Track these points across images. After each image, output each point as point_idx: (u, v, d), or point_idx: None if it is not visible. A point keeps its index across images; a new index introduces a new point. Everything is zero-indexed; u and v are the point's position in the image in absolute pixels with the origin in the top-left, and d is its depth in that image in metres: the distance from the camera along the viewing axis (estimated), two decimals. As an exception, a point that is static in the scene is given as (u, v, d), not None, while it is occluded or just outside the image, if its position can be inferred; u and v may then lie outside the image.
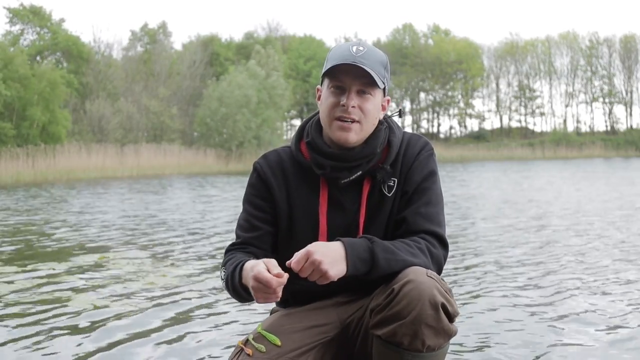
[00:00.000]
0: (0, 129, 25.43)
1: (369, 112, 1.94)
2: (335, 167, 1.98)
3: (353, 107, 1.92)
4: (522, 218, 9.04)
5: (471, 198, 12.78)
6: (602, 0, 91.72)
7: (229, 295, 2.02)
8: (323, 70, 1.97)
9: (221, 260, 2.07)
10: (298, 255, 1.77)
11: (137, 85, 36.92)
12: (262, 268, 1.75)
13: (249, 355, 1.88)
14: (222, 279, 1.99)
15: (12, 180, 21.74)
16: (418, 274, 1.80)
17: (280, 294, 1.75)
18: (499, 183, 18.17)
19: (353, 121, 1.93)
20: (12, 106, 26.57)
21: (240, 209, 2.13)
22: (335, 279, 1.79)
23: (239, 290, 1.89)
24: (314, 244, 1.80)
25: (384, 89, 1.99)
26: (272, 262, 1.78)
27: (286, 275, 1.75)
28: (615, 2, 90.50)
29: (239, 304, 3.97)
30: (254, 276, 1.75)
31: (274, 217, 2.05)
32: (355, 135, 1.95)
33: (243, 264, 1.88)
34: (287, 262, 1.78)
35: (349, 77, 1.91)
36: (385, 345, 1.84)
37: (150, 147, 30.34)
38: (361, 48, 1.93)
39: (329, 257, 1.77)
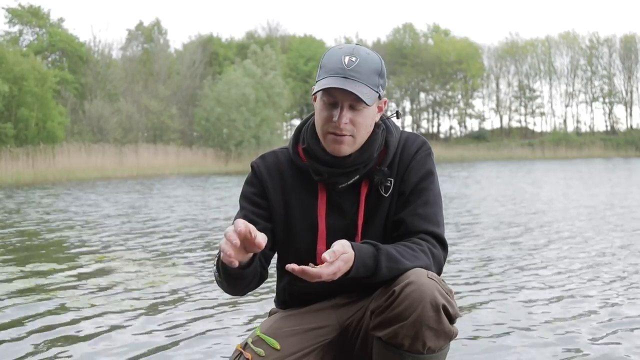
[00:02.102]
0: (1, 128, 25.49)
1: (361, 125, 1.92)
2: (332, 173, 1.97)
3: (346, 123, 1.89)
4: (488, 215, 9.29)
5: (444, 198, 12.84)
6: (602, 0, 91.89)
7: (222, 289, 1.98)
8: (316, 78, 1.94)
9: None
10: (337, 248, 1.73)
11: (136, 85, 36.94)
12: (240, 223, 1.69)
13: (248, 359, 1.87)
14: (214, 266, 1.93)
15: (12, 181, 21.77)
16: (419, 276, 1.79)
17: (239, 258, 1.69)
18: (483, 183, 18.42)
19: (345, 135, 1.91)
20: (11, 106, 26.66)
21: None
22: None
23: (229, 269, 1.81)
24: (343, 242, 1.77)
25: (379, 94, 1.95)
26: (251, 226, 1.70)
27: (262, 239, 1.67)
28: (615, 2, 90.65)
29: (238, 305, 3.96)
30: (231, 229, 1.69)
31: (270, 215, 2.04)
32: (349, 147, 1.93)
33: None
34: (322, 257, 1.71)
35: (340, 92, 1.87)
36: (385, 347, 1.83)
37: (150, 147, 30.39)
38: (353, 59, 1.88)
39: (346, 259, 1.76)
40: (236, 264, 1.69)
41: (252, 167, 2.08)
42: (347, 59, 1.88)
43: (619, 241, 6.58)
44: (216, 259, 1.93)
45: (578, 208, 10.20)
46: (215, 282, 2.01)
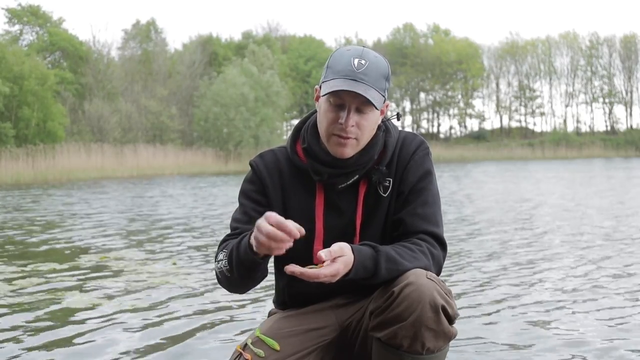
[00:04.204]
0: (1, 128, 25.52)
1: (366, 128, 1.92)
2: (332, 174, 1.97)
3: (352, 125, 1.89)
4: (453, 213, 9.55)
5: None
6: (602, 0, 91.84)
7: (224, 286, 1.97)
8: (323, 78, 1.93)
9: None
10: (334, 249, 1.73)
11: (136, 85, 36.89)
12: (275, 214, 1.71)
13: (247, 360, 1.87)
14: (221, 260, 1.90)
15: (12, 181, 21.77)
16: (418, 276, 1.79)
17: (287, 245, 1.71)
18: (464, 182, 18.64)
19: (350, 138, 1.91)
20: (11, 105, 26.67)
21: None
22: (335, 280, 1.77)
23: (248, 258, 1.81)
24: (342, 244, 1.77)
25: (385, 98, 1.96)
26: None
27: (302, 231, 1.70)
28: (615, 2, 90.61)
29: (239, 305, 3.97)
30: (268, 217, 1.70)
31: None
32: (352, 150, 1.93)
33: (251, 233, 1.80)
34: (318, 254, 1.72)
35: (350, 95, 1.87)
36: (384, 348, 1.84)
37: (150, 147, 30.39)
38: (363, 62, 1.87)
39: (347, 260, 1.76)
40: (283, 250, 1.70)
41: (251, 165, 2.08)
42: (356, 61, 1.87)
43: (568, 237, 6.88)
44: (227, 254, 1.90)
45: (543, 205, 10.55)
46: (217, 280, 1.99)
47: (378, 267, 1.80)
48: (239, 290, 2.01)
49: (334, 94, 1.88)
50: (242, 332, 3.37)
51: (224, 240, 2.00)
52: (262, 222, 1.71)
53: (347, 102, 1.88)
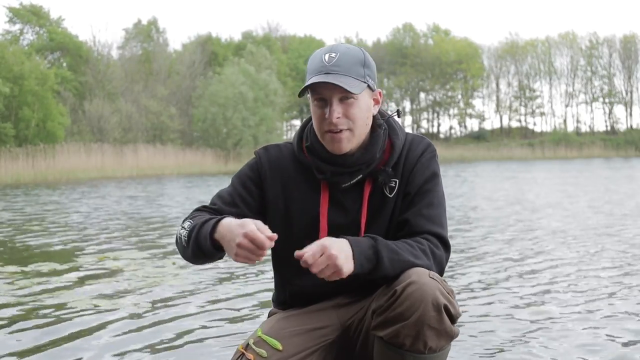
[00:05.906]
0: (1, 128, 25.55)
1: (355, 116, 1.92)
2: (335, 172, 1.98)
3: (338, 117, 1.90)
4: None
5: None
6: (602, 0, 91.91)
7: (179, 252, 1.99)
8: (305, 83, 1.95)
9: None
10: (312, 248, 1.73)
11: (136, 85, 36.92)
12: (254, 227, 1.72)
13: (249, 360, 1.87)
14: (184, 229, 1.92)
15: (12, 181, 21.78)
16: (421, 275, 1.79)
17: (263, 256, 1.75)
18: (450, 181, 18.82)
19: (342, 130, 1.92)
20: (11, 105, 26.71)
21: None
22: (345, 276, 1.76)
23: (205, 244, 1.84)
24: (326, 238, 1.77)
25: (369, 85, 1.94)
26: (262, 224, 1.75)
27: (276, 236, 1.73)
28: (615, 2, 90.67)
29: (240, 305, 3.96)
30: (246, 234, 1.71)
31: (258, 205, 2.03)
32: (348, 142, 1.93)
33: (221, 219, 1.83)
34: (297, 254, 1.73)
35: (327, 88, 1.89)
36: (386, 347, 1.84)
37: (149, 147, 30.42)
38: (333, 55, 1.90)
39: (343, 252, 1.75)
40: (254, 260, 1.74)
41: (255, 154, 2.09)
42: (327, 56, 1.91)
43: (548, 235, 7.00)
44: (190, 227, 1.91)
45: (520, 203, 10.85)
46: (175, 241, 2.01)
47: (379, 255, 1.80)
48: (190, 262, 2.01)
49: (313, 91, 1.91)
50: (244, 332, 3.37)
51: (197, 209, 2.01)
52: (241, 240, 1.73)
53: (326, 96, 1.90)
